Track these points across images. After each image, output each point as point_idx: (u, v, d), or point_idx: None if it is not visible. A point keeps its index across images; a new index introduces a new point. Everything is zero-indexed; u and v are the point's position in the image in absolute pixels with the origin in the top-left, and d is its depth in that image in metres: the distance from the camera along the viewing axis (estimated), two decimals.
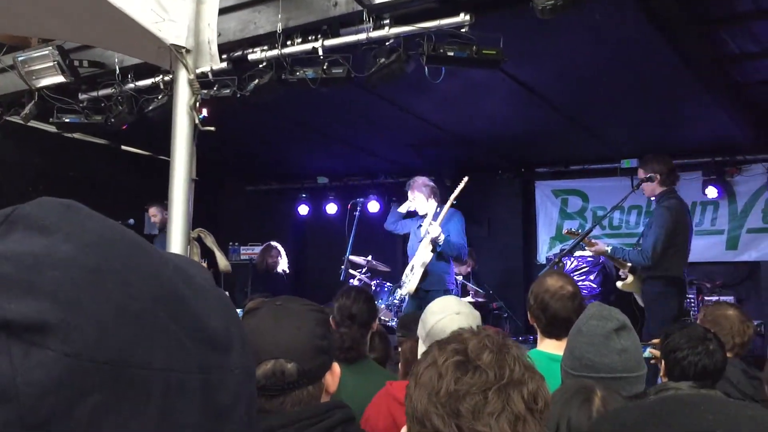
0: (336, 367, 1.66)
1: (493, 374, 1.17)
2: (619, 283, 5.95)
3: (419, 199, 6.18)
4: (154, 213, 7.71)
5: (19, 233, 0.45)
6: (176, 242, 1.88)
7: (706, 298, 7.50)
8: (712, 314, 3.52)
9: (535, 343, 3.21)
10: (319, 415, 1.54)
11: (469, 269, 8.19)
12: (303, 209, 10.92)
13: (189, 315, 0.50)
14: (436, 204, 6.17)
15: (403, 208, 6.43)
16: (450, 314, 2.47)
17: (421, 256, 6.04)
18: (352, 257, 7.47)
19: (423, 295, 5.86)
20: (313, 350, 1.60)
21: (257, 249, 9.48)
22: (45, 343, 0.41)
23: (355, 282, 7.32)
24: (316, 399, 1.60)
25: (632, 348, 2.17)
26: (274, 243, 8.88)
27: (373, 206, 9.32)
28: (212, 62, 1.91)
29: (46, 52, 5.40)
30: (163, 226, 7.53)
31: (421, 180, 6.23)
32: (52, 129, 6.48)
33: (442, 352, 1.24)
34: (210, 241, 2.16)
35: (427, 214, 6.16)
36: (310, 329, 1.62)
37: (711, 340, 2.76)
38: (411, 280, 6.05)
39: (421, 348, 2.52)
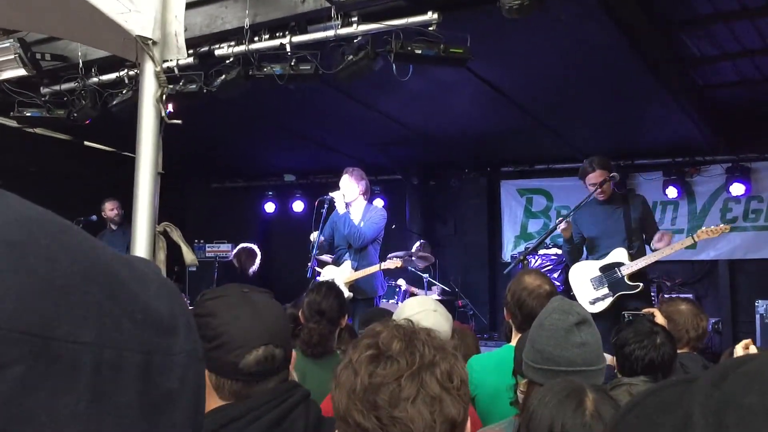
0: (293, 352, 1.71)
1: (404, 361, 1.20)
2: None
3: (351, 189, 5.98)
4: (111, 207, 7.49)
5: None
6: (142, 236, 1.86)
7: (665, 296, 7.66)
8: (666, 311, 3.57)
9: (500, 340, 3.25)
10: (281, 395, 1.59)
11: (427, 264, 8.19)
12: (269, 207, 10.87)
13: (128, 296, 0.49)
14: (365, 201, 6.10)
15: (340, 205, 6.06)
16: (428, 310, 2.50)
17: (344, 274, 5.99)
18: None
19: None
20: (289, 336, 1.68)
21: (223, 246, 9.41)
22: None
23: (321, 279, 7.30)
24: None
25: (592, 342, 2.20)
26: (255, 248, 8.80)
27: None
28: (179, 54, 1.90)
29: (7, 44, 5.28)
30: (122, 221, 7.40)
31: (359, 172, 6.06)
32: (13, 123, 6.35)
33: (356, 350, 1.28)
34: (176, 236, 2.15)
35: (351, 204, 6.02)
36: (284, 316, 1.69)
37: (658, 334, 2.77)
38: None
39: None
